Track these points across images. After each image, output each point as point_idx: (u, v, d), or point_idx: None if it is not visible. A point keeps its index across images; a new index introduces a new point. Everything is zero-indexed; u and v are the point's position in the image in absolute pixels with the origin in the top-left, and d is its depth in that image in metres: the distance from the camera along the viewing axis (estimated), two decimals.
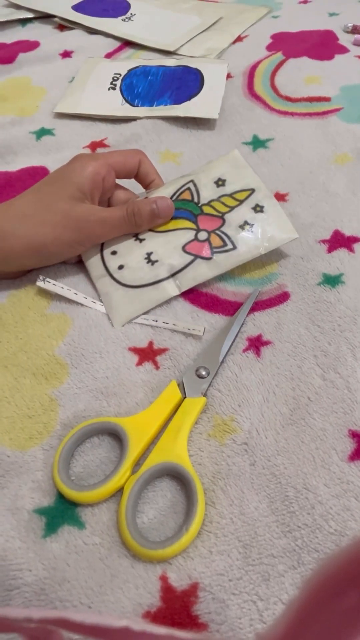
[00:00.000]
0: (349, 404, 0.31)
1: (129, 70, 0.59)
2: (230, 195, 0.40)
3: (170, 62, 0.60)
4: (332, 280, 0.38)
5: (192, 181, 0.41)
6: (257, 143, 0.50)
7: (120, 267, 0.38)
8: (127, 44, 0.66)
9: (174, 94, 0.55)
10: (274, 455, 0.30)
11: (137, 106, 0.55)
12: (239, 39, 0.66)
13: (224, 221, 0.39)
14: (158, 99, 0.55)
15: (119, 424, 0.30)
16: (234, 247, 0.38)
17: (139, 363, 0.34)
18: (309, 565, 0.26)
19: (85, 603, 0.25)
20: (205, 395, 0.32)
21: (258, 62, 0.61)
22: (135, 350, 0.35)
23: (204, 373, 0.33)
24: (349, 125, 0.51)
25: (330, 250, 0.40)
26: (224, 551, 0.27)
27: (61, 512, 0.28)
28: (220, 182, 0.41)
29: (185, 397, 0.32)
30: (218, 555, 0.27)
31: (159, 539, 0.27)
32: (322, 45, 0.63)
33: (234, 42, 0.65)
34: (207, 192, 0.40)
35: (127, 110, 0.54)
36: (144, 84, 0.57)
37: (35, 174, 0.47)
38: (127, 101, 0.55)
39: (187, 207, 0.40)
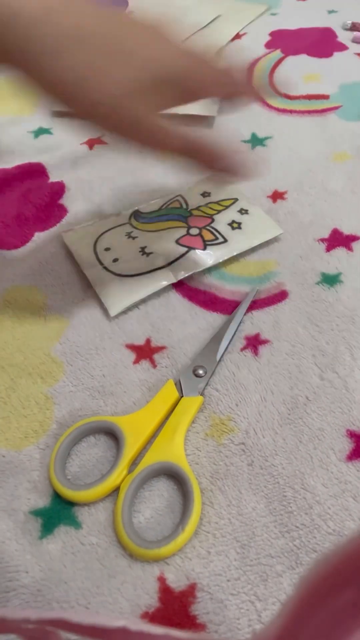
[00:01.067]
0: (347, 403, 0.31)
1: None
2: (217, 202, 0.43)
3: None
4: (330, 280, 0.38)
5: (180, 195, 0.44)
6: (256, 141, 0.50)
7: (115, 260, 0.39)
8: None
9: None
10: (271, 455, 0.29)
11: None
12: (237, 36, 0.65)
13: (213, 220, 0.41)
14: None
15: (116, 423, 0.30)
16: (225, 240, 0.40)
17: (136, 361, 0.34)
18: (307, 565, 0.26)
19: (82, 604, 0.25)
20: (202, 394, 0.32)
21: (257, 60, 0.60)
22: (132, 347, 0.35)
23: (201, 372, 0.32)
24: (348, 123, 0.51)
25: (329, 249, 0.40)
26: (222, 551, 0.27)
27: (57, 512, 0.28)
28: (206, 194, 0.44)
29: (182, 396, 0.31)
30: (216, 556, 0.26)
31: (156, 538, 0.27)
32: (321, 43, 0.62)
33: (233, 39, 0.65)
34: (195, 201, 0.43)
35: None
36: None
37: (32, 171, 0.47)
38: None
39: (176, 212, 0.42)
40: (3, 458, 0.30)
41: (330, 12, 0.69)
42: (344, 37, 0.64)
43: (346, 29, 0.65)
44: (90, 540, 0.27)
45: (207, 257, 0.38)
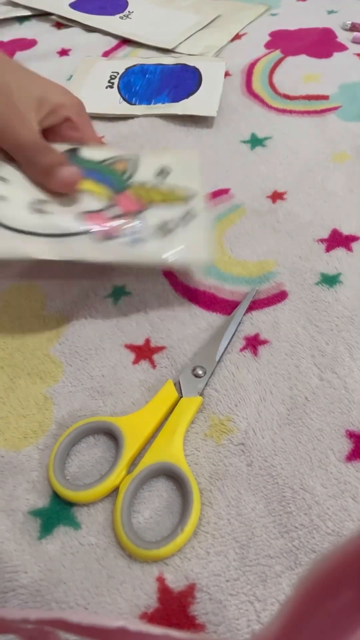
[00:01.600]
0: (346, 404, 0.31)
1: (127, 69, 0.59)
2: (170, 190, 0.36)
3: (168, 60, 0.60)
4: (330, 280, 0.38)
5: (133, 159, 0.37)
6: (255, 141, 0.50)
7: (2, 197, 0.33)
8: (124, 42, 0.66)
9: (172, 92, 0.55)
10: (270, 456, 0.29)
11: (135, 104, 0.54)
12: (237, 36, 0.65)
13: (144, 210, 0.35)
14: (156, 97, 0.55)
15: (115, 424, 0.30)
16: (135, 243, 0.33)
17: (136, 361, 0.34)
18: (306, 565, 0.26)
19: (81, 604, 0.25)
20: (201, 394, 0.32)
21: (256, 60, 0.60)
22: (131, 347, 0.35)
23: (200, 372, 0.32)
24: (348, 124, 0.51)
25: (328, 249, 0.40)
26: (221, 552, 0.27)
27: (56, 513, 0.28)
28: (163, 173, 0.36)
29: (181, 397, 0.31)
30: (215, 556, 0.26)
31: (155, 539, 0.27)
32: (321, 43, 0.62)
33: (232, 40, 0.65)
34: (145, 174, 0.36)
35: (125, 109, 0.54)
36: (141, 82, 0.57)
37: None
38: (124, 99, 0.55)
39: (113, 178, 0.36)
40: (2, 458, 0.30)
41: (330, 12, 0.69)
42: (343, 37, 0.64)
43: (346, 29, 0.65)
44: (90, 541, 0.27)
45: (98, 250, 0.33)
